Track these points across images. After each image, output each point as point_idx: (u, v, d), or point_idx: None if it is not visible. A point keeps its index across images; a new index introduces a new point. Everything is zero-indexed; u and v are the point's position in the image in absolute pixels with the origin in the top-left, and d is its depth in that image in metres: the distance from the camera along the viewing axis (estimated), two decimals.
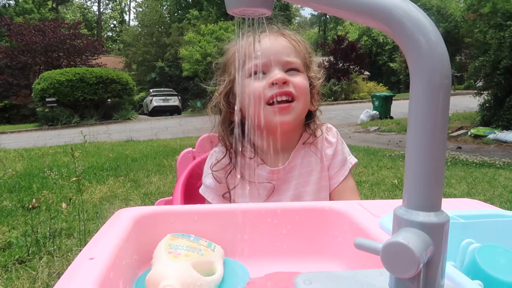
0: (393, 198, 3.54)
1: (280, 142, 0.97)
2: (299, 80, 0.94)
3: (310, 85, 0.99)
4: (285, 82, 0.91)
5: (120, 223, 0.65)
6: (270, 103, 0.93)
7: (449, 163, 5.41)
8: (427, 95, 0.34)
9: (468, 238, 0.58)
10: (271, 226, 0.72)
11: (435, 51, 0.34)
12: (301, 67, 0.96)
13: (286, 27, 1.03)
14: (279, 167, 1.00)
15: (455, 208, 0.71)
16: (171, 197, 1.22)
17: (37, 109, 16.18)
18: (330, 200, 1.04)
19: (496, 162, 5.56)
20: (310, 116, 1.05)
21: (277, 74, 0.91)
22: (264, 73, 0.94)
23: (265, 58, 0.93)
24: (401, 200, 0.38)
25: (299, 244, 0.72)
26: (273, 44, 0.95)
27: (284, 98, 0.92)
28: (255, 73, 0.94)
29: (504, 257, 0.50)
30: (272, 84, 0.91)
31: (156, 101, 20.87)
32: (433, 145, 0.34)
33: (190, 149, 1.40)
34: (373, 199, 3.59)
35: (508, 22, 8.27)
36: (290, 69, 0.95)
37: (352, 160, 1.05)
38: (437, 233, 0.34)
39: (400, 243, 0.32)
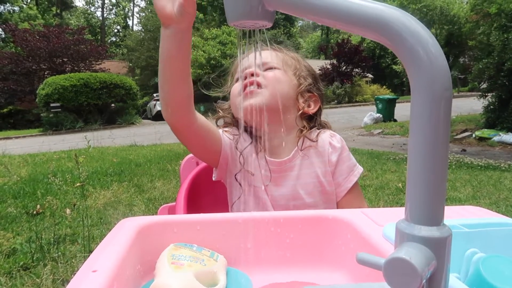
0: (397, 202, 3.55)
1: (272, 136, 1.02)
2: (271, 72, 1.02)
3: (300, 84, 1.06)
4: (253, 74, 0.99)
5: (123, 233, 0.65)
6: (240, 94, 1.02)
7: (453, 166, 5.38)
8: (427, 107, 0.34)
9: (472, 247, 0.58)
10: (274, 235, 0.72)
11: (435, 63, 0.34)
12: (280, 66, 1.04)
13: (280, 43, 1.14)
14: (276, 160, 1.03)
15: (459, 216, 0.71)
16: (174, 203, 1.22)
17: (42, 114, 16.27)
18: (338, 207, 1.04)
19: (501, 165, 5.53)
20: (311, 121, 1.09)
21: (249, 69, 1.00)
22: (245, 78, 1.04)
23: (245, 64, 1.04)
24: (403, 208, 0.38)
25: (303, 253, 0.72)
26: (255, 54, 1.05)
27: (252, 87, 0.99)
28: (238, 79, 1.06)
29: (508, 268, 0.50)
30: (245, 78, 1.01)
31: (160, 106, 20.86)
32: (435, 159, 0.34)
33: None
34: (377, 203, 3.58)
35: None
36: (267, 68, 1.04)
37: (360, 168, 1.06)
38: (439, 247, 0.34)
39: (402, 259, 0.32)
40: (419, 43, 0.34)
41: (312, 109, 1.07)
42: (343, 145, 1.06)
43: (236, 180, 1.04)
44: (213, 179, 1.08)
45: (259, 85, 0.99)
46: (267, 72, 1.02)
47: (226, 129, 1.08)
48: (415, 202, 0.35)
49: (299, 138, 1.04)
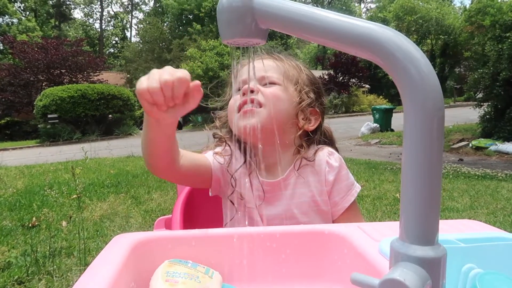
0: (395, 213, 3.54)
1: (268, 155, 0.99)
2: (270, 89, 0.98)
3: (301, 101, 1.01)
4: (252, 91, 0.95)
5: (117, 250, 0.65)
6: (239, 110, 0.98)
7: (451, 176, 5.38)
8: (420, 127, 0.34)
9: (469, 263, 0.57)
10: (270, 250, 0.71)
11: (427, 83, 0.34)
12: (280, 81, 0.99)
13: (281, 52, 1.08)
14: (269, 180, 1.00)
15: (456, 230, 0.71)
16: (171, 215, 1.21)
17: (39, 126, 16.26)
18: None
19: (498, 174, 5.54)
20: (309, 138, 1.05)
21: (248, 85, 0.96)
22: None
23: (244, 75, 1.00)
24: (399, 222, 0.38)
25: (299, 268, 0.71)
26: (256, 64, 1.01)
27: (250, 106, 0.95)
28: (238, 89, 1.01)
29: (505, 286, 0.49)
30: (243, 94, 0.96)
31: None
32: (428, 179, 0.33)
33: None
34: (375, 213, 3.57)
35: (508, 34, 8.33)
36: (266, 83, 0.99)
37: (358, 187, 1.03)
38: (434, 267, 0.34)
39: (397, 280, 0.31)
40: (411, 63, 0.34)
41: (312, 125, 1.03)
42: (341, 164, 1.02)
43: (230, 201, 1.02)
44: (210, 194, 1.07)
45: (257, 104, 0.95)
46: (266, 89, 0.97)
47: (218, 149, 1.05)
48: (409, 222, 0.35)
49: (295, 157, 1.01)
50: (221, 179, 1.02)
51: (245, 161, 1.02)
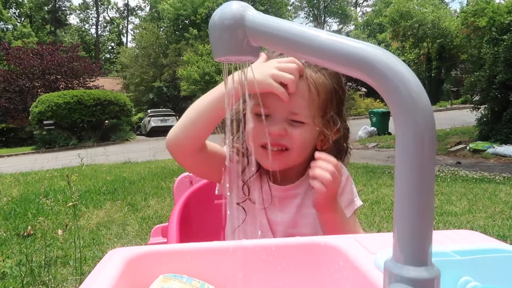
0: (393, 218, 3.53)
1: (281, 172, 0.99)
2: (298, 133, 0.92)
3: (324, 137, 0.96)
4: (280, 135, 0.92)
5: (111, 266, 0.64)
6: (263, 146, 0.94)
7: (448, 179, 5.39)
8: (412, 148, 0.34)
9: (465, 276, 0.57)
10: (265, 263, 0.71)
11: (418, 103, 0.34)
12: (308, 119, 0.92)
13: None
14: (280, 186, 1.01)
15: (452, 241, 0.70)
16: (168, 224, 1.21)
17: (35, 132, 16.22)
18: None
19: (496, 177, 5.55)
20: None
21: (276, 127, 0.91)
22: (267, 116, 0.92)
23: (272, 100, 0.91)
24: None
25: (295, 281, 0.71)
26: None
27: (275, 148, 0.93)
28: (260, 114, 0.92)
29: None
30: (269, 134, 0.91)
31: (154, 122, 20.94)
32: (421, 200, 0.33)
33: (187, 173, 1.39)
34: (373, 218, 3.57)
35: (503, 37, 8.37)
36: (294, 120, 0.92)
37: (358, 202, 1.04)
38: None
39: None
40: (402, 83, 0.34)
41: (329, 144, 1.00)
42: (347, 178, 1.03)
43: (238, 204, 1.02)
44: (216, 193, 1.06)
45: (284, 147, 0.93)
46: (293, 130, 0.92)
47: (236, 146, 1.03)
48: (402, 243, 0.34)
49: (307, 168, 0.97)
50: (233, 175, 1.01)
51: (258, 169, 1.03)
